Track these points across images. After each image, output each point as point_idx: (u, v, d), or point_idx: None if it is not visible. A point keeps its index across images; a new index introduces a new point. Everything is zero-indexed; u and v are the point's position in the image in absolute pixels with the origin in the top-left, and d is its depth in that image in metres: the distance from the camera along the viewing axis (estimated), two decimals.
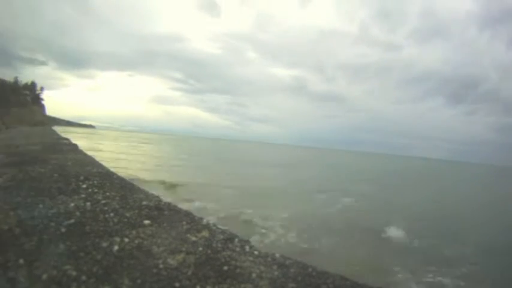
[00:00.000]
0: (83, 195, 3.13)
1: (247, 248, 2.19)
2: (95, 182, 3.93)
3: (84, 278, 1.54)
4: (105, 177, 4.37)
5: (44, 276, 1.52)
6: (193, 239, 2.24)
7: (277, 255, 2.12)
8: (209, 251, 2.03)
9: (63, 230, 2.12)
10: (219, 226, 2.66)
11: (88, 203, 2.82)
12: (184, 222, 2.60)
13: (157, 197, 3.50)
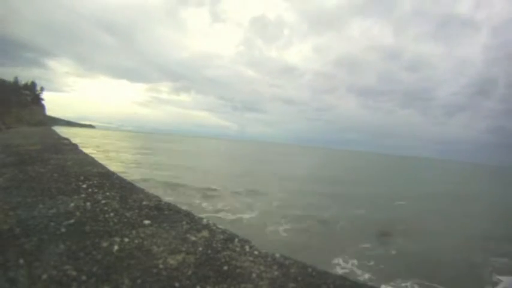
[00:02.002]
0: (83, 195, 3.13)
1: (247, 248, 2.19)
2: (95, 182, 3.93)
3: (84, 278, 1.54)
4: (105, 177, 4.36)
5: (44, 276, 1.51)
6: (193, 239, 2.23)
7: (277, 255, 2.12)
8: (209, 251, 2.03)
9: (63, 230, 2.12)
10: (219, 226, 2.66)
11: (88, 203, 2.82)
12: (184, 222, 2.59)
13: (157, 197, 3.50)
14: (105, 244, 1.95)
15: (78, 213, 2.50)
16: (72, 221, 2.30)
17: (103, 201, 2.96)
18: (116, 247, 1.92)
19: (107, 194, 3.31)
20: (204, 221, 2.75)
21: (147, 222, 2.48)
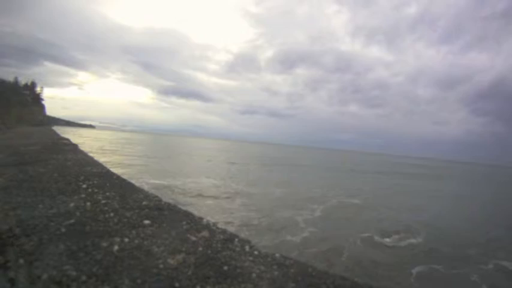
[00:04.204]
0: (83, 195, 3.13)
1: (247, 248, 2.19)
2: (95, 182, 3.93)
3: (84, 278, 1.53)
4: (105, 177, 4.36)
5: (44, 276, 1.51)
6: (193, 239, 2.23)
7: (277, 255, 2.12)
8: (209, 251, 2.03)
9: (63, 230, 2.11)
10: (219, 226, 2.66)
11: (88, 203, 2.82)
12: (184, 222, 2.59)
13: (157, 197, 3.50)
14: (105, 244, 1.95)
15: (78, 213, 2.50)
16: (72, 221, 2.30)
17: (103, 201, 2.96)
18: (116, 247, 1.92)
19: (107, 194, 3.31)
20: (204, 221, 2.75)
21: (147, 222, 2.48)
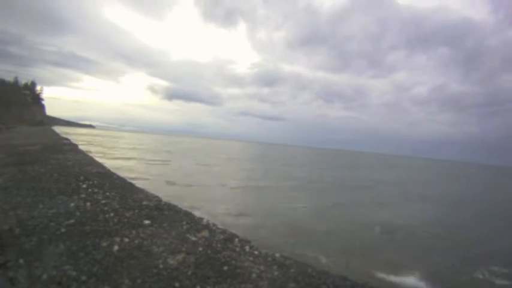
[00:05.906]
0: (83, 195, 3.13)
1: (247, 248, 2.19)
2: (95, 182, 3.93)
3: (84, 278, 1.54)
4: (105, 177, 4.37)
5: (44, 276, 1.52)
6: (193, 239, 2.24)
7: (277, 255, 2.12)
8: (209, 251, 2.03)
9: (63, 230, 2.12)
10: (219, 226, 2.66)
11: (88, 203, 2.83)
12: (184, 222, 2.60)
13: (157, 197, 3.50)
14: (105, 244, 1.96)
15: (78, 213, 2.50)
16: (72, 221, 2.31)
17: (103, 201, 2.96)
18: (116, 247, 1.93)
19: (107, 194, 3.31)
20: (204, 221, 2.75)
21: (147, 222, 2.49)
